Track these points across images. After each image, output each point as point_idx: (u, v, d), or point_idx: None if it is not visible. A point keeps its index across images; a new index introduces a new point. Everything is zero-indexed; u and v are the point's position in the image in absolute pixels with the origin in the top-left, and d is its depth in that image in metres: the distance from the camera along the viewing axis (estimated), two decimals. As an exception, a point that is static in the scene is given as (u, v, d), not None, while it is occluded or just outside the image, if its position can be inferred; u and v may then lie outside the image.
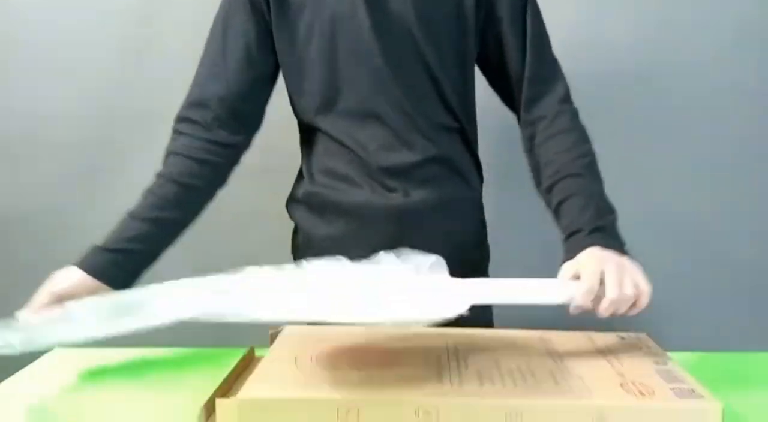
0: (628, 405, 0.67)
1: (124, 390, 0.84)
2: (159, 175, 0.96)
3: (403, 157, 0.98)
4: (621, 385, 0.70)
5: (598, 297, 0.78)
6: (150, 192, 0.94)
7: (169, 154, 0.98)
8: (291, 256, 1.10)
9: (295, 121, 1.08)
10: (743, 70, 1.43)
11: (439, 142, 1.00)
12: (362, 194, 0.99)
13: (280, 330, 0.90)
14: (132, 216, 0.92)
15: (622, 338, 0.87)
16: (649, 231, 1.47)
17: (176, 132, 0.99)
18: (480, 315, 1.07)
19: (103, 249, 0.89)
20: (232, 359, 0.80)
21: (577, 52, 1.38)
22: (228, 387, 0.75)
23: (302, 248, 1.07)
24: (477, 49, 1.01)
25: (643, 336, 0.88)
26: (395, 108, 0.96)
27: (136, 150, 1.50)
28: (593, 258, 0.82)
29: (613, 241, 0.87)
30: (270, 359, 0.81)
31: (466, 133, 1.04)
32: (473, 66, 1.03)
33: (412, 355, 0.80)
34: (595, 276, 0.78)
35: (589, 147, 0.97)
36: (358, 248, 0.98)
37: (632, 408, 0.66)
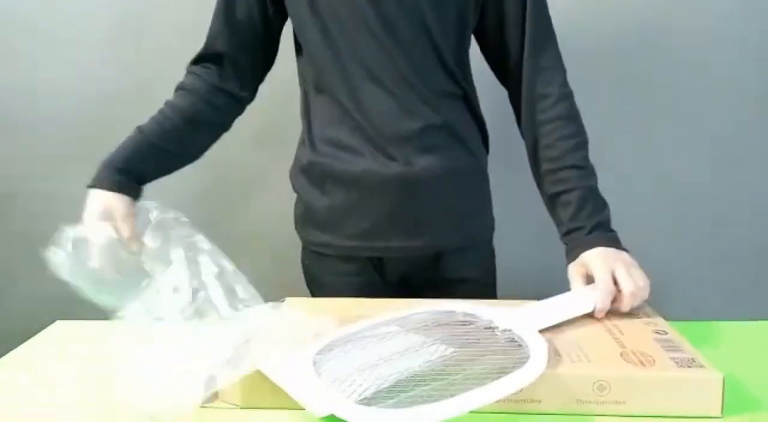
0: (628, 375, 0.67)
1: (125, 362, 0.84)
2: (168, 104, 1.02)
3: (406, 125, 0.96)
4: (621, 355, 0.71)
5: (615, 296, 0.82)
6: (157, 120, 1.01)
7: (179, 88, 1.04)
8: (294, 225, 1.10)
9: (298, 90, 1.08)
10: (749, 39, 1.41)
11: (441, 108, 0.98)
12: (364, 162, 0.98)
13: (282, 301, 0.90)
14: (139, 141, 0.99)
15: (623, 308, 0.87)
16: (651, 201, 1.47)
17: (189, 72, 1.05)
18: (483, 288, 1.08)
19: (118, 169, 0.96)
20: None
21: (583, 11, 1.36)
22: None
23: (303, 219, 1.07)
24: (476, 18, 1.00)
25: (643, 305, 0.88)
26: (396, 74, 0.95)
27: (132, 121, 1.49)
28: (600, 259, 0.86)
29: (612, 237, 0.91)
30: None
31: (469, 99, 1.03)
32: (471, 34, 1.02)
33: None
34: (609, 276, 0.83)
35: (587, 138, 0.98)
36: (359, 218, 0.99)
37: (632, 377, 0.67)
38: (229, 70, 1.02)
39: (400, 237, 1.00)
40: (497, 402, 0.67)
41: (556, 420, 0.67)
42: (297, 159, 1.08)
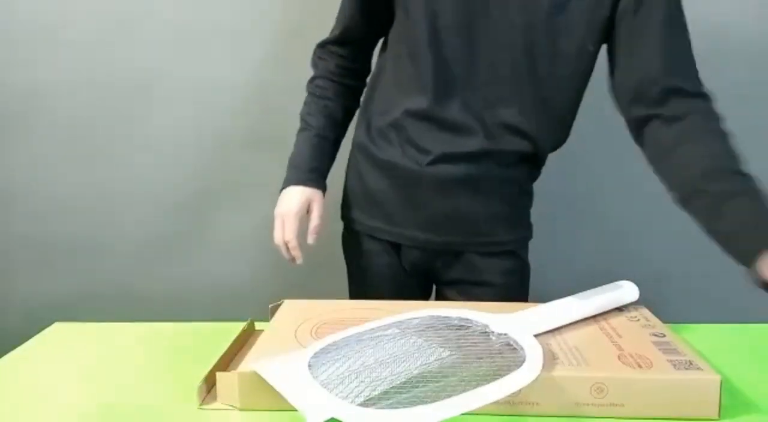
0: (626, 377, 0.67)
1: (124, 364, 0.84)
2: (320, 94, 1.08)
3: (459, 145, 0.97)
4: (619, 357, 0.71)
5: None
6: (322, 113, 1.07)
7: (316, 77, 1.10)
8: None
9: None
10: (749, 39, 1.41)
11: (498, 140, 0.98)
12: (393, 154, 1.01)
13: (281, 304, 0.90)
14: (316, 138, 1.06)
15: (620, 310, 0.87)
16: (651, 201, 1.47)
17: (320, 58, 1.10)
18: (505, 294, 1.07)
19: (310, 169, 1.05)
20: (233, 333, 0.80)
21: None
22: (228, 360, 0.75)
23: (344, 197, 1.12)
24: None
25: (641, 307, 0.88)
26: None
27: (131, 121, 1.50)
28: None
29: None
30: (270, 332, 0.81)
31: (536, 159, 1.03)
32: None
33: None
34: None
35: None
36: (385, 203, 1.03)
37: (630, 380, 0.67)
38: (359, 51, 1.08)
39: (418, 228, 1.02)
40: (494, 404, 0.67)
41: (553, 422, 0.67)
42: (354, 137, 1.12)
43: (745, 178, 0.82)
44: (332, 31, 1.08)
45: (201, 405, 0.70)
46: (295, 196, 1.02)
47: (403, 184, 1.01)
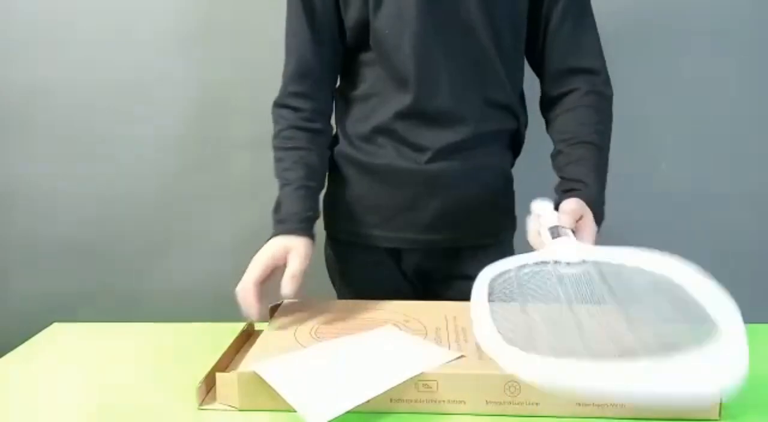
0: (627, 377, 0.67)
1: (124, 364, 0.84)
2: (290, 149, 1.00)
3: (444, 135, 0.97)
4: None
5: None
6: (299, 163, 0.98)
7: (282, 129, 1.02)
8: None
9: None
10: (749, 39, 1.41)
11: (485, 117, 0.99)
12: (385, 156, 1.00)
13: (281, 304, 0.90)
14: (300, 188, 0.97)
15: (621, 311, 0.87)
16: (651, 201, 1.47)
17: (280, 114, 1.03)
18: None
19: (299, 219, 0.94)
20: (233, 333, 0.80)
21: None
22: (228, 360, 0.75)
23: (328, 208, 1.09)
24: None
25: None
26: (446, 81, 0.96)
27: (131, 121, 1.50)
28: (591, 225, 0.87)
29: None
30: (269, 332, 0.81)
31: (513, 108, 1.03)
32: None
33: (411, 327, 0.81)
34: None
35: (609, 135, 0.98)
36: (379, 208, 1.02)
37: (630, 380, 0.67)
38: (319, 87, 1.03)
39: (417, 230, 1.01)
40: (494, 405, 0.67)
41: (554, 422, 0.67)
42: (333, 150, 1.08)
43: (587, 146, 0.94)
44: (285, 69, 1.04)
45: (201, 405, 0.70)
46: (270, 247, 0.90)
47: (401, 185, 1.00)
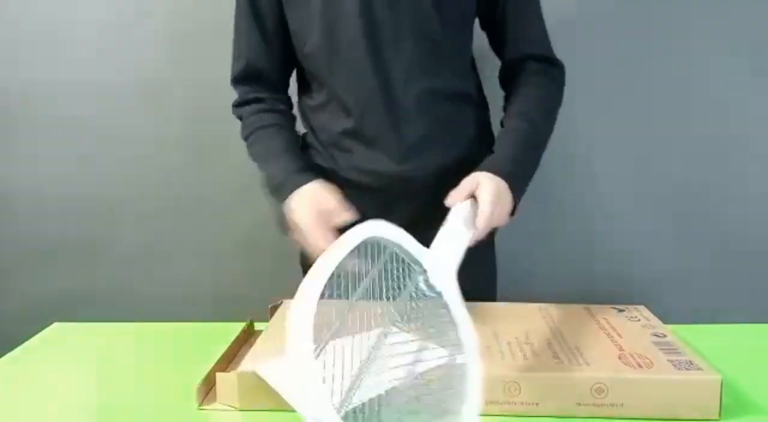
0: (627, 377, 0.67)
1: (124, 364, 0.84)
2: (261, 127, 0.99)
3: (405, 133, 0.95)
4: (619, 357, 0.71)
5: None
6: (276, 136, 0.98)
7: (248, 117, 1.02)
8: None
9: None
10: (749, 39, 1.41)
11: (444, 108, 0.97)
12: (355, 159, 0.97)
13: (280, 304, 0.90)
14: (284, 151, 0.96)
15: (621, 310, 0.87)
16: (650, 201, 1.47)
17: (242, 110, 1.03)
18: (484, 289, 1.07)
19: (302, 170, 0.91)
20: (232, 333, 0.80)
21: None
22: (228, 360, 0.75)
23: None
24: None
25: (641, 308, 0.88)
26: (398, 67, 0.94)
27: (131, 121, 1.50)
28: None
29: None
30: (269, 332, 0.81)
31: (473, 98, 1.02)
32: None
33: (412, 328, 0.81)
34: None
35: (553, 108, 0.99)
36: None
37: (630, 380, 0.67)
38: (278, 79, 1.02)
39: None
40: (493, 405, 0.67)
41: (553, 422, 0.67)
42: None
43: (522, 120, 0.94)
44: (233, 70, 1.01)
45: (201, 405, 0.70)
46: (303, 201, 0.85)
47: (369, 191, 0.97)
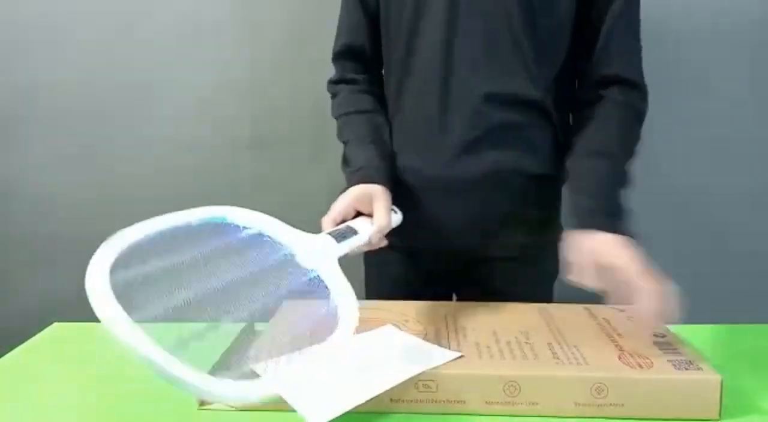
0: (627, 377, 0.67)
1: (124, 364, 0.84)
2: (354, 113, 1.00)
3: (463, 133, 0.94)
4: (619, 357, 0.71)
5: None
6: (363, 123, 0.98)
7: (338, 95, 1.03)
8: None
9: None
10: (749, 38, 1.41)
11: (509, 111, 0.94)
12: (405, 159, 0.97)
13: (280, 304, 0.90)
14: (367, 142, 0.96)
15: (621, 310, 0.87)
16: (650, 202, 1.46)
17: (336, 87, 1.04)
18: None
19: (376, 167, 0.91)
20: (232, 334, 0.80)
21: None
22: (228, 361, 0.75)
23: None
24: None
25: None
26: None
27: (131, 121, 1.50)
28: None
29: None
30: (269, 332, 0.81)
31: (543, 103, 0.95)
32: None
33: (411, 327, 0.81)
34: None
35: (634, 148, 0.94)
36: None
37: (630, 380, 0.67)
38: (374, 58, 1.02)
39: (429, 235, 0.98)
40: (493, 405, 0.67)
41: (553, 422, 0.67)
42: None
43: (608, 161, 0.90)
44: (335, 46, 1.03)
45: (201, 405, 0.70)
46: (352, 191, 0.86)
47: (420, 188, 0.97)
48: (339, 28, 1.03)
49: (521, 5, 0.88)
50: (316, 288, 0.72)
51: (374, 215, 0.83)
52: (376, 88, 1.03)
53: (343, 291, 0.72)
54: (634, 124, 0.94)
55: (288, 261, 0.72)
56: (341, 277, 0.74)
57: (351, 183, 0.88)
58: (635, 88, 0.93)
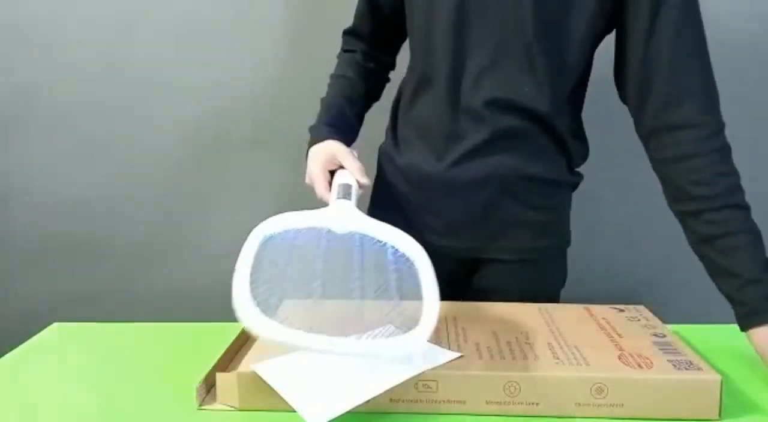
0: (626, 377, 0.67)
1: (124, 364, 0.84)
2: (336, 76, 1.07)
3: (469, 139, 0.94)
4: (619, 357, 0.71)
5: None
6: (341, 87, 1.05)
7: (338, 65, 1.09)
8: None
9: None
10: (749, 38, 1.41)
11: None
12: (410, 156, 1.00)
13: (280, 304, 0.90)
14: (338, 105, 1.03)
15: (621, 310, 0.87)
16: (650, 201, 1.46)
17: (343, 51, 1.10)
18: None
19: (327, 125, 0.97)
20: (232, 333, 0.80)
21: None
22: (228, 360, 0.75)
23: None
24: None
25: (641, 308, 0.88)
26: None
27: (131, 121, 1.50)
28: None
29: None
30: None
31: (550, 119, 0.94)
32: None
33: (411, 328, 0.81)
34: None
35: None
36: (400, 207, 1.01)
37: (630, 380, 0.67)
38: (376, 45, 1.08)
39: (430, 233, 0.98)
40: (493, 405, 0.67)
41: (553, 422, 0.67)
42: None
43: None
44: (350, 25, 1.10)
45: (201, 405, 0.70)
46: (316, 153, 0.90)
47: (421, 186, 0.99)
48: (356, 9, 1.08)
49: (535, 14, 0.87)
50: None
51: (346, 165, 0.87)
52: (369, 61, 1.08)
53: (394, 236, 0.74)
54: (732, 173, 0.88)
55: (358, 238, 0.76)
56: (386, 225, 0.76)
57: (311, 138, 0.94)
58: (714, 132, 0.86)
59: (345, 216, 0.77)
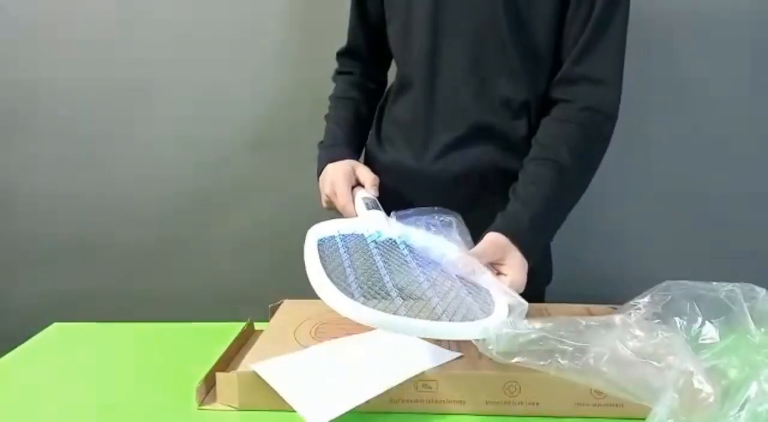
0: (626, 377, 0.67)
1: (124, 364, 0.84)
2: (339, 98, 1.11)
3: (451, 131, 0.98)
4: (619, 357, 0.71)
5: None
6: (344, 108, 1.09)
7: (337, 86, 1.13)
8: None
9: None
10: (749, 38, 1.41)
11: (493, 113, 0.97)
12: (394, 154, 1.03)
13: (280, 304, 0.90)
14: (343, 129, 1.07)
15: (619, 310, 0.87)
16: (650, 201, 1.47)
17: (338, 72, 1.14)
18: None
19: (338, 147, 1.03)
20: (233, 333, 0.80)
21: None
22: (228, 360, 0.75)
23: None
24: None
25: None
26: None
27: (131, 121, 1.50)
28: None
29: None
30: (270, 332, 0.81)
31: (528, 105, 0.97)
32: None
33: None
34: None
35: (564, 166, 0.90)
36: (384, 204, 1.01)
37: (630, 380, 0.67)
38: (369, 64, 1.12)
39: None
40: (493, 405, 0.67)
41: (553, 422, 0.67)
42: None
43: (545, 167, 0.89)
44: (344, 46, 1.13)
45: (201, 405, 0.70)
46: (337, 167, 0.96)
47: (403, 183, 1.01)
48: (348, 28, 1.11)
49: (507, 12, 0.91)
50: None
51: (364, 180, 0.94)
52: (368, 82, 1.12)
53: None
54: (595, 130, 0.92)
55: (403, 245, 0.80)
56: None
57: (321, 158, 1.01)
58: (601, 85, 0.92)
59: (387, 223, 0.83)
